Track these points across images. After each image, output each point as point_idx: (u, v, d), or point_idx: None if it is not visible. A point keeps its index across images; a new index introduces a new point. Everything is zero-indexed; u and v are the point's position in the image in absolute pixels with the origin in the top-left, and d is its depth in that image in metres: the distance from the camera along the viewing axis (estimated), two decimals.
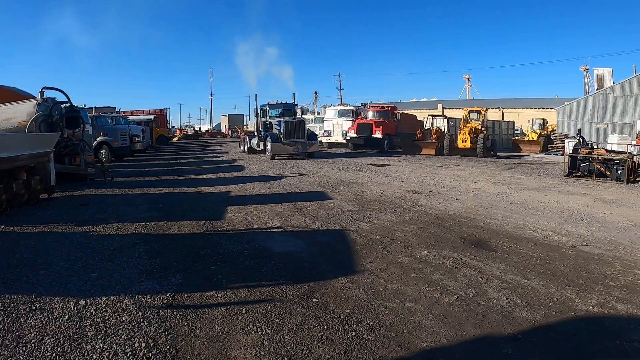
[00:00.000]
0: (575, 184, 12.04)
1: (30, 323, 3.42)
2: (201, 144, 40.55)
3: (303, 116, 25.70)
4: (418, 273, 4.65)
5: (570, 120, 29.81)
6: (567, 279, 4.49)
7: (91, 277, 4.43)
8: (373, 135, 23.93)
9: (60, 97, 10.70)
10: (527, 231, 6.48)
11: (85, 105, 21.41)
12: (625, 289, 4.22)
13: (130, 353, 3.01)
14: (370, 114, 26.06)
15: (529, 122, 38.15)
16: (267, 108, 21.14)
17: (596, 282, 4.40)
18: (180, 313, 3.65)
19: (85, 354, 2.99)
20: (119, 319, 3.53)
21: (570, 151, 14.89)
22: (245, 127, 62.38)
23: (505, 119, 38.36)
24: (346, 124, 26.64)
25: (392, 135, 25.25)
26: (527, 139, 31.17)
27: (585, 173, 13.62)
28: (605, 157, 13.42)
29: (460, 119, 25.19)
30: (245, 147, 23.15)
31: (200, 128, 72.31)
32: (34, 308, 3.69)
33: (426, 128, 25.62)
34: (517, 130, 36.61)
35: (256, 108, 21.56)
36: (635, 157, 13.02)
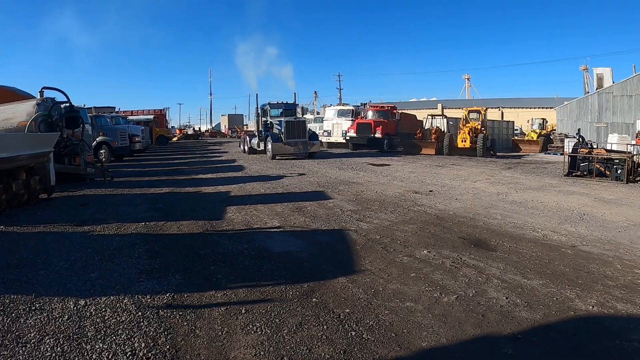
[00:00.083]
0: (575, 184, 12.05)
1: (30, 323, 3.42)
2: (201, 144, 40.54)
3: (303, 116, 25.68)
4: (418, 273, 4.65)
5: (569, 119, 29.81)
6: (567, 278, 4.49)
7: (91, 277, 4.43)
8: (373, 135, 23.93)
9: (59, 97, 10.71)
10: (526, 231, 6.49)
11: (84, 105, 21.41)
12: (625, 289, 4.22)
13: (129, 353, 3.01)
14: (369, 114, 26.06)
15: (528, 121, 38.18)
16: (268, 108, 21.02)
17: (596, 282, 4.40)
18: (180, 313, 3.65)
19: (85, 354, 2.99)
20: (118, 319, 3.53)
21: (570, 151, 14.89)
22: (245, 127, 62.39)
23: (504, 119, 38.39)
24: (346, 123, 26.64)
25: (392, 135, 25.25)
26: (526, 138, 31.18)
27: (585, 173, 13.63)
28: (605, 157, 13.43)
29: (460, 118, 25.19)
30: (246, 147, 23.03)
31: (199, 128, 72.26)
32: (33, 308, 3.69)
33: (426, 128, 25.63)
34: (516, 130, 36.60)
35: (257, 108, 21.48)
36: (634, 157, 13.02)
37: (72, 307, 3.72)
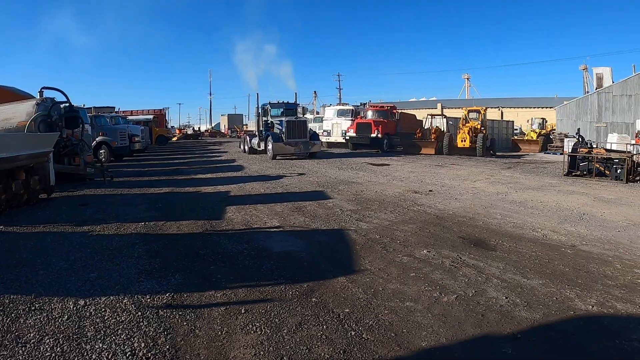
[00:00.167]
0: (575, 183, 12.05)
1: (30, 323, 3.42)
2: (200, 143, 40.53)
3: (303, 116, 25.64)
4: (417, 272, 4.65)
5: (569, 119, 29.82)
6: (567, 278, 4.49)
7: (90, 277, 4.42)
8: (372, 135, 23.92)
9: (59, 97, 10.70)
10: (526, 230, 6.49)
11: (84, 105, 21.41)
12: (624, 288, 4.22)
13: (129, 353, 3.01)
14: (369, 114, 26.06)
15: (528, 121, 38.18)
16: (269, 107, 20.87)
17: (595, 282, 4.40)
18: (180, 313, 3.65)
19: (85, 354, 2.99)
20: (118, 319, 3.52)
21: (570, 150, 14.90)
22: (244, 126, 62.39)
23: (504, 119, 38.43)
24: (345, 123, 26.64)
25: (392, 134, 25.25)
26: (526, 138, 31.20)
27: (585, 172, 13.63)
28: (605, 157, 13.43)
29: (460, 118, 25.20)
30: (246, 147, 22.92)
31: (199, 128, 72.28)
32: (33, 308, 3.69)
33: (425, 127, 25.64)
34: (516, 129, 36.62)
35: (257, 107, 21.36)
36: (634, 157, 13.03)
37: (71, 307, 3.72)
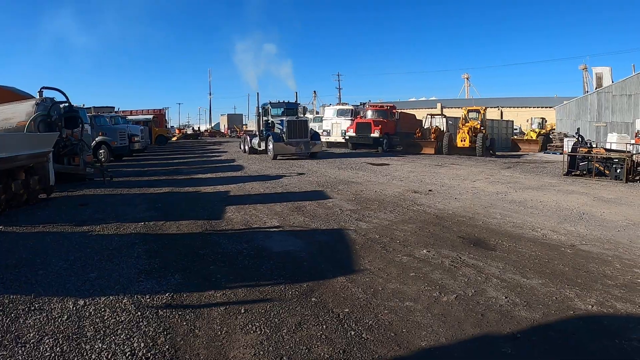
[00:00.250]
0: (574, 183, 12.06)
1: (29, 323, 3.42)
2: (200, 143, 40.52)
3: (304, 115, 25.59)
4: (417, 272, 4.65)
5: (569, 119, 29.84)
6: (566, 278, 4.49)
7: (90, 277, 4.42)
8: (372, 135, 23.92)
9: (59, 97, 10.71)
10: (526, 230, 6.49)
11: (84, 105, 21.42)
12: (624, 288, 4.22)
13: (129, 353, 3.00)
14: (369, 114, 26.06)
15: (527, 121, 38.20)
16: (269, 107, 20.72)
17: (595, 281, 4.40)
18: (179, 313, 3.65)
19: (84, 354, 2.99)
20: (117, 319, 3.52)
21: (570, 150, 14.91)
22: (244, 126, 62.41)
23: (504, 118, 38.46)
24: (345, 123, 26.64)
25: (391, 134, 25.25)
26: (526, 138, 31.23)
27: (584, 172, 13.64)
28: (604, 156, 13.44)
29: (459, 118, 25.23)
30: (246, 147, 22.81)
31: (199, 128, 72.27)
32: (32, 308, 3.68)
33: (425, 127, 25.65)
34: (516, 129, 36.65)
35: (258, 107, 21.23)
36: (634, 156, 13.04)
37: (71, 307, 3.72)
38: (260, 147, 20.87)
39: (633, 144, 15.80)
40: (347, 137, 25.53)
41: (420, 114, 33.37)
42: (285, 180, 12.07)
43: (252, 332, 3.34)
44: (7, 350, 3.01)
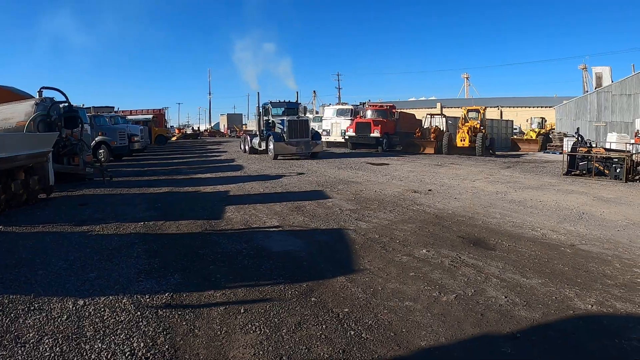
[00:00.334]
0: (574, 183, 12.06)
1: (29, 323, 3.41)
2: (200, 143, 40.50)
3: (305, 115, 25.53)
4: (417, 272, 4.65)
5: (568, 119, 29.85)
6: (566, 277, 4.50)
7: (90, 277, 4.42)
8: (372, 135, 23.91)
9: (58, 97, 10.70)
10: (525, 230, 6.49)
11: (83, 105, 21.38)
12: (624, 288, 4.22)
13: (128, 353, 3.00)
14: (368, 113, 26.05)
15: (527, 120, 38.22)
16: (270, 106, 20.54)
17: (595, 281, 4.41)
18: (179, 313, 3.65)
19: (84, 353, 2.99)
20: (117, 318, 3.52)
21: (569, 150, 14.91)
22: (244, 126, 62.41)
23: (503, 118, 38.48)
24: (345, 123, 26.62)
25: (391, 134, 25.25)
26: (525, 137, 31.23)
27: (584, 172, 13.64)
28: (604, 156, 13.45)
29: (459, 117, 25.24)
30: (246, 147, 22.67)
31: (198, 127, 72.26)
32: (32, 308, 3.68)
33: (425, 127, 25.65)
34: (515, 129, 36.66)
35: (258, 106, 21.09)
36: (633, 156, 13.05)
37: (71, 307, 3.72)
38: (260, 147, 20.73)
39: (633, 143, 15.80)
40: (346, 137, 25.51)
41: (419, 113, 33.36)
42: (285, 180, 12.07)
43: (251, 331, 3.34)
44: (7, 350, 3.01)
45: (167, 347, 3.10)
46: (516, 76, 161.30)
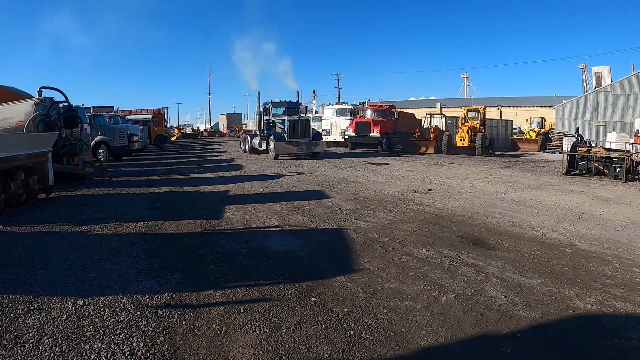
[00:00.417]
0: (574, 183, 12.06)
1: (29, 323, 3.41)
2: (199, 143, 40.48)
3: (306, 115, 25.46)
4: (416, 272, 4.65)
5: (568, 118, 29.87)
6: (566, 277, 4.50)
7: (89, 277, 4.42)
8: (371, 134, 23.90)
9: (58, 97, 10.69)
10: (525, 229, 6.49)
11: (83, 105, 21.41)
12: (623, 287, 4.22)
13: (128, 353, 3.00)
14: (368, 113, 26.05)
15: (527, 120, 38.24)
16: (270, 106, 20.39)
17: (594, 281, 4.41)
18: (179, 312, 3.65)
19: (84, 353, 2.99)
20: (117, 318, 3.52)
21: (569, 149, 14.91)
22: (243, 126, 62.41)
23: (503, 118, 38.49)
24: (344, 122, 26.63)
25: (391, 134, 25.26)
26: (525, 137, 31.23)
27: (584, 171, 13.65)
28: (604, 156, 13.45)
29: (459, 117, 25.24)
30: (246, 147, 22.56)
31: (198, 127, 72.29)
32: (32, 308, 3.68)
33: (424, 127, 25.66)
34: (515, 128, 36.67)
35: (258, 106, 20.98)
36: (633, 156, 13.05)
37: (70, 306, 3.71)
38: (261, 146, 20.60)
39: (632, 143, 15.80)
40: (346, 137, 25.50)
41: (419, 113, 33.34)
42: (285, 179, 12.07)
43: (251, 331, 3.34)
44: (7, 350, 3.01)
45: (166, 346, 3.10)
46: (516, 76, 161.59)
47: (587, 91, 33.73)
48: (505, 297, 3.98)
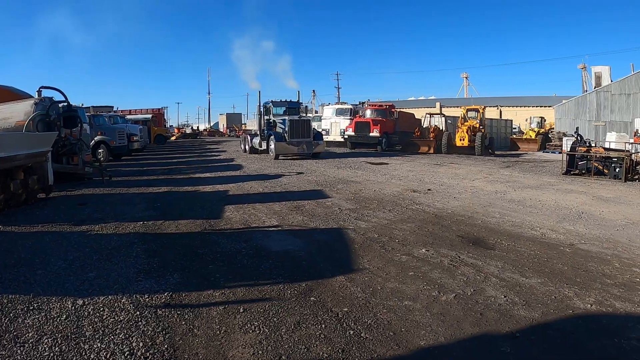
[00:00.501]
0: (573, 182, 12.07)
1: (28, 323, 3.41)
2: (199, 143, 40.47)
3: (307, 115, 25.41)
4: (416, 271, 4.65)
5: (568, 118, 29.89)
6: (565, 277, 4.50)
7: (89, 277, 4.42)
8: (371, 134, 23.90)
9: (57, 97, 10.68)
10: (525, 229, 6.49)
11: (82, 105, 21.42)
12: (623, 287, 4.23)
13: (128, 352, 3.00)
14: (368, 113, 26.06)
15: (526, 120, 38.22)
16: (271, 106, 20.25)
17: (594, 280, 4.41)
18: (178, 312, 3.64)
19: (83, 353, 2.98)
20: (116, 318, 3.52)
21: (568, 149, 14.92)
22: (243, 126, 62.43)
23: (503, 117, 38.48)
24: (344, 122, 26.65)
25: (390, 133, 25.27)
26: (525, 137, 31.25)
27: (583, 171, 13.65)
28: (603, 155, 13.46)
29: (458, 117, 25.24)
30: (246, 147, 22.45)
31: (198, 127, 72.29)
32: (31, 308, 3.68)
33: (424, 126, 25.67)
34: (515, 128, 36.68)
35: (259, 105, 20.87)
36: (633, 155, 13.06)
37: (70, 306, 3.71)
38: (261, 146, 20.47)
39: (632, 143, 15.82)
40: (346, 137, 25.51)
41: (419, 113, 33.31)
42: (284, 179, 12.06)
43: (251, 331, 3.34)
44: (6, 350, 3.01)
45: (166, 346, 3.10)
46: (515, 76, 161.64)
47: (586, 91, 33.76)
48: (505, 296, 3.98)
